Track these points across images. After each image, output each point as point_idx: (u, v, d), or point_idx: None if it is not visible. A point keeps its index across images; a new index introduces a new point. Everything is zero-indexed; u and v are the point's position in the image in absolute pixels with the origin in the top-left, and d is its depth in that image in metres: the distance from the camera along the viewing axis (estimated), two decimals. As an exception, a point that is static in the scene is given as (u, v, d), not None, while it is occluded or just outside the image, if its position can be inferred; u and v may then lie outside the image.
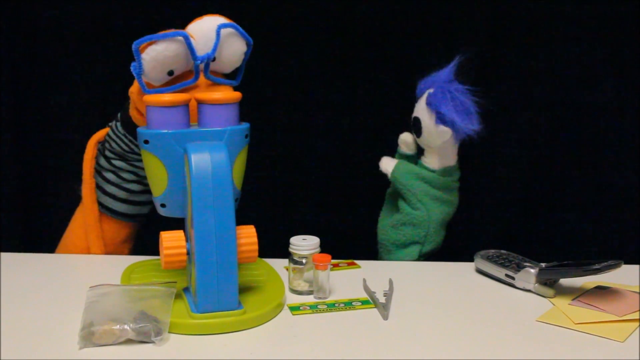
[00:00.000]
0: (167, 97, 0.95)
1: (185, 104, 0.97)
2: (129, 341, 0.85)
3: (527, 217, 1.38)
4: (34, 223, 1.43)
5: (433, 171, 1.16)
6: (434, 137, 1.12)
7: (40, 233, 1.43)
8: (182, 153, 0.94)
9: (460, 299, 1.01)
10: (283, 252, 1.06)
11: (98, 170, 1.19)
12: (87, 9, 1.34)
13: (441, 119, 1.10)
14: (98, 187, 1.19)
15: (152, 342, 0.85)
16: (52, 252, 1.23)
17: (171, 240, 0.91)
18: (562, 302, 0.98)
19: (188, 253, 0.92)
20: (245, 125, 0.99)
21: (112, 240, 1.20)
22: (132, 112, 1.10)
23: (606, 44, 1.30)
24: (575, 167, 1.35)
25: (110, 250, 1.20)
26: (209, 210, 0.88)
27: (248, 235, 0.93)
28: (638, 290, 1.01)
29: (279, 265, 1.10)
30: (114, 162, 1.18)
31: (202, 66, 1.02)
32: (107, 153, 1.18)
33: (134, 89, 1.09)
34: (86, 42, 1.36)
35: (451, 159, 1.16)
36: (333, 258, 1.02)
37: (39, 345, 0.86)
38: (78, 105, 1.38)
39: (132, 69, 0.99)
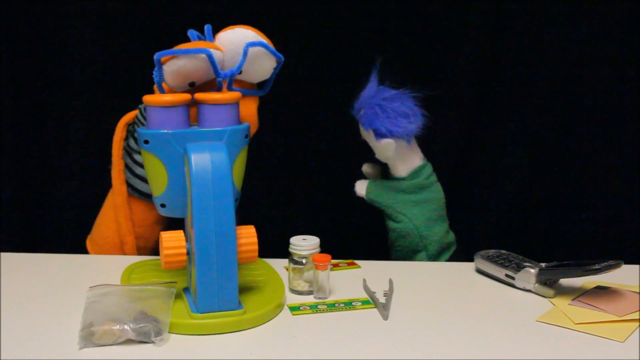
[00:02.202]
0: (167, 97, 0.95)
1: (185, 104, 0.97)
2: (128, 341, 0.85)
3: (527, 217, 1.38)
4: (34, 223, 1.42)
5: (403, 179, 1.16)
6: (383, 151, 1.14)
7: (40, 233, 1.43)
8: (182, 153, 0.94)
9: (460, 299, 1.01)
10: (283, 252, 1.06)
11: (128, 152, 1.18)
12: (87, 9, 1.34)
13: (379, 134, 1.12)
14: (127, 168, 1.18)
15: (152, 342, 0.85)
16: (52, 252, 1.23)
17: (171, 240, 0.91)
18: (562, 302, 0.98)
19: (188, 253, 0.92)
20: (245, 125, 0.99)
21: (142, 222, 1.19)
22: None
23: (606, 43, 1.30)
24: (575, 167, 1.35)
25: (140, 232, 1.18)
26: (209, 210, 0.88)
27: (248, 235, 0.92)
28: (638, 290, 1.00)
29: (279, 265, 1.10)
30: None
31: (226, 83, 1.01)
32: (136, 134, 1.16)
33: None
34: (86, 42, 1.35)
35: (415, 160, 1.17)
36: (333, 258, 1.02)
37: (39, 345, 0.86)
38: (78, 105, 1.38)
39: (154, 75, 0.99)
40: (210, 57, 0.98)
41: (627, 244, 1.34)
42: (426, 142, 1.36)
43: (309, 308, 0.97)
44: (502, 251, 1.11)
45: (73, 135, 1.39)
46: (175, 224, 1.03)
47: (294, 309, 0.97)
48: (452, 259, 1.18)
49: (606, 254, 1.31)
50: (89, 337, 0.85)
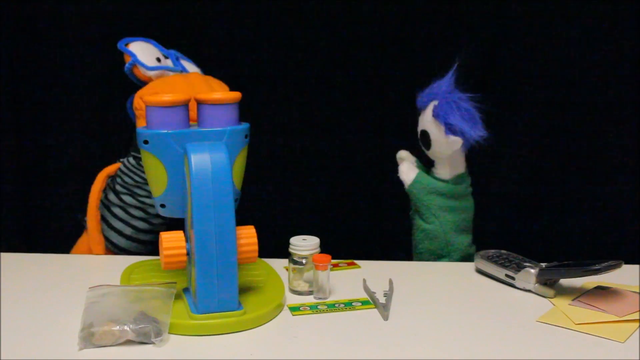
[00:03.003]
0: (167, 97, 0.95)
1: (185, 104, 0.97)
2: (128, 342, 0.85)
3: (527, 217, 1.38)
4: (34, 223, 1.43)
5: (446, 181, 1.15)
6: (445, 147, 1.13)
7: (40, 233, 1.43)
8: (182, 153, 0.94)
9: (460, 299, 1.01)
10: (283, 252, 1.06)
11: (106, 205, 1.20)
12: (87, 9, 1.34)
13: (450, 129, 1.10)
14: (104, 220, 1.20)
15: (152, 342, 0.85)
16: (52, 252, 1.23)
17: (171, 241, 0.91)
18: (562, 302, 0.98)
19: (188, 253, 0.92)
20: (245, 125, 0.99)
21: None
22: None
23: (606, 44, 1.30)
24: (575, 167, 1.35)
25: None
26: (209, 210, 0.88)
27: (248, 236, 0.92)
28: (638, 290, 1.00)
29: (279, 265, 1.10)
30: (123, 197, 1.18)
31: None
32: (118, 187, 1.19)
33: (138, 104, 1.12)
34: (86, 42, 1.36)
35: (461, 167, 1.17)
36: (333, 258, 1.02)
37: (39, 346, 0.86)
38: (78, 106, 1.38)
39: (129, 64, 1.11)
40: (153, 42, 1.20)
41: (627, 244, 1.34)
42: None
43: (309, 308, 0.97)
44: (502, 251, 1.11)
45: (73, 135, 1.39)
46: (175, 224, 1.03)
47: (294, 309, 0.97)
48: None
49: (606, 254, 1.31)
50: (88, 338, 0.85)
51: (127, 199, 1.18)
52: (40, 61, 1.37)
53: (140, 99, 1.12)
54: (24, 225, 1.42)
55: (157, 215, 1.16)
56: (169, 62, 1.19)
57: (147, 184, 1.15)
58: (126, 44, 1.17)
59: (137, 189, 1.17)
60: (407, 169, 1.18)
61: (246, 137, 1.00)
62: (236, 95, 0.99)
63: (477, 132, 1.10)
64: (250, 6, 1.33)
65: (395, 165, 1.24)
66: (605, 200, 1.35)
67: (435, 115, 1.12)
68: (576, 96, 1.32)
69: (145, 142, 0.95)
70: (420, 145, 1.17)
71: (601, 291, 1.01)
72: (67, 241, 1.42)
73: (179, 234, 0.92)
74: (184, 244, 0.91)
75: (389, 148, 1.35)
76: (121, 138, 1.36)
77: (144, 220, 1.18)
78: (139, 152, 1.12)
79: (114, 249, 1.19)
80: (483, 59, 1.33)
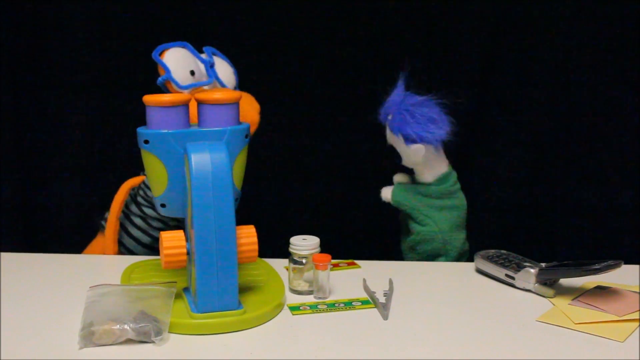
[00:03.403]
0: (167, 97, 0.95)
1: (185, 104, 0.97)
2: (129, 341, 0.85)
3: (527, 217, 1.38)
4: (34, 223, 1.43)
5: (429, 184, 1.16)
6: (412, 157, 1.14)
7: (40, 233, 1.43)
8: (182, 153, 0.94)
9: (460, 299, 1.01)
10: (283, 252, 1.06)
11: (127, 215, 1.21)
12: (87, 9, 1.34)
13: (408, 139, 1.12)
14: (122, 227, 1.20)
15: (152, 342, 0.85)
16: (52, 252, 1.23)
17: (171, 240, 0.91)
18: (562, 302, 0.98)
19: (188, 253, 0.92)
20: (245, 125, 0.99)
21: None
22: None
23: (607, 44, 1.30)
24: (575, 167, 1.35)
25: None
26: (209, 210, 0.88)
27: (248, 235, 0.92)
28: (638, 290, 1.00)
29: (279, 265, 1.10)
30: (144, 209, 1.19)
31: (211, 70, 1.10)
32: (139, 199, 1.19)
33: None
34: (87, 42, 1.36)
35: (442, 167, 1.16)
36: (333, 258, 1.02)
37: (39, 345, 0.86)
38: (78, 105, 1.38)
39: (162, 78, 1.03)
40: (188, 47, 1.08)
41: (627, 244, 1.34)
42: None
43: (309, 308, 0.97)
44: (502, 251, 1.11)
45: (73, 135, 1.39)
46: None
47: (294, 309, 0.97)
48: None
49: (606, 254, 1.31)
50: (89, 337, 0.85)
51: (148, 211, 1.19)
52: (40, 61, 1.37)
53: None
54: (24, 225, 1.42)
55: (176, 227, 1.18)
56: (202, 70, 1.13)
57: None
58: (161, 52, 1.10)
59: None
60: (385, 191, 1.20)
61: (246, 137, 1.00)
62: (236, 95, 0.99)
63: (439, 132, 1.11)
64: (251, 6, 1.33)
65: (394, 165, 1.23)
66: (605, 201, 1.35)
67: (392, 128, 1.13)
68: (576, 96, 1.33)
69: (146, 142, 0.95)
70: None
71: (601, 291, 1.01)
72: (67, 241, 1.42)
73: (179, 233, 0.92)
74: (184, 243, 0.91)
75: (389, 148, 1.35)
76: (121, 137, 1.36)
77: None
78: None
79: (128, 254, 1.20)
80: (483, 61, 1.33)
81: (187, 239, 0.93)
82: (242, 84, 1.14)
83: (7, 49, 1.35)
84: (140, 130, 0.96)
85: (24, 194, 1.41)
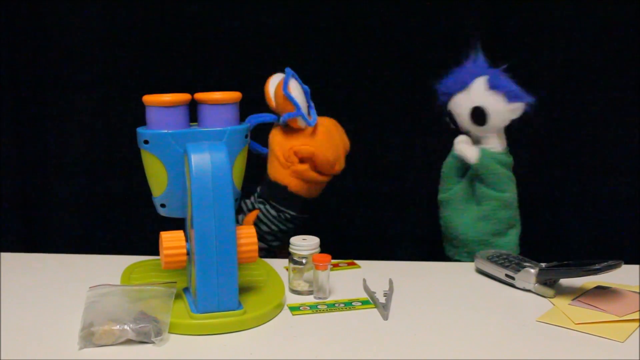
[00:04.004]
0: (167, 97, 0.95)
1: (185, 104, 0.97)
2: (128, 341, 0.85)
3: (526, 217, 1.38)
4: (34, 223, 1.43)
5: (500, 153, 1.15)
6: (505, 117, 1.13)
7: (40, 233, 1.43)
8: (182, 153, 0.94)
9: (460, 299, 1.01)
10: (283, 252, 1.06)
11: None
12: (87, 9, 1.34)
13: (512, 95, 1.12)
14: None
15: (152, 342, 0.85)
16: (52, 252, 1.23)
17: (171, 240, 0.91)
18: (562, 302, 0.98)
19: (188, 253, 0.92)
20: (245, 125, 1.00)
21: None
22: (288, 180, 1.16)
23: (606, 43, 1.30)
24: (575, 167, 1.35)
25: None
26: (209, 210, 0.88)
27: (248, 236, 0.92)
28: (638, 290, 1.00)
29: (279, 265, 1.10)
30: (271, 243, 1.20)
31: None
32: (266, 236, 1.19)
33: (298, 147, 1.15)
34: (87, 42, 1.36)
35: (504, 139, 1.17)
36: (333, 258, 1.02)
37: (39, 345, 0.86)
38: (78, 105, 1.38)
39: (283, 119, 1.12)
40: (294, 75, 1.15)
41: (627, 244, 1.34)
42: (426, 142, 1.37)
43: (309, 308, 0.97)
44: (502, 251, 1.11)
45: (73, 136, 1.39)
46: (175, 224, 1.03)
47: (294, 309, 0.97)
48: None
49: (606, 254, 1.31)
50: (89, 337, 0.85)
51: (275, 243, 1.20)
52: (40, 61, 1.37)
53: (294, 150, 1.15)
54: (24, 225, 1.42)
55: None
56: (299, 97, 1.15)
57: (279, 238, 1.18)
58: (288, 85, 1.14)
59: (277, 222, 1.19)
60: (466, 147, 1.16)
61: (246, 137, 1.00)
62: (236, 95, 0.99)
63: (530, 97, 1.13)
64: (251, 5, 1.33)
65: (394, 165, 1.24)
66: (605, 200, 1.35)
67: (493, 86, 1.13)
68: (576, 96, 1.32)
69: (146, 142, 0.95)
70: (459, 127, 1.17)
71: (601, 291, 1.01)
72: (67, 241, 1.42)
73: (179, 233, 0.92)
74: (184, 243, 0.91)
75: (389, 147, 1.35)
76: (121, 137, 1.36)
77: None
78: (278, 203, 1.17)
79: None
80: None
81: (187, 239, 0.93)
82: (243, 84, 1.13)
83: (7, 49, 1.35)
84: (140, 130, 0.96)
85: (24, 193, 1.41)
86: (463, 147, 1.17)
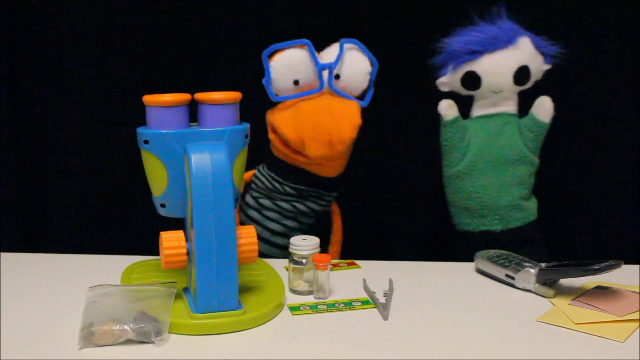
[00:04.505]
0: (167, 97, 0.95)
1: (185, 104, 0.97)
2: (128, 341, 0.85)
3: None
4: (34, 223, 1.43)
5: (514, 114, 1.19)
6: (538, 78, 1.16)
7: (40, 233, 1.43)
8: (182, 153, 0.94)
9: (460, 299, 1.01)
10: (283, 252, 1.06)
11: (243, 209, 1.21)
12: (87, 9, 1.34)
13: (549, 57, 1.16)
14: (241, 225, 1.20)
15: (152, 342, 0.85)
16: (52, 252, 1.23)
17: (171, 240, 0.91)
18: (562, 302, 0.98)
19: (188, 253, 0.92)
20: (245, 125, 1.00)
21: None
22: (273, 150, 1.16)
23: (606, 43, 1.30)
24: (575, 167, 1.35)
25: None
26: (209, 210, 0.88)
27: (248, 235, 0.92)
28: (638, 290, 1.00)
29: (279, 265, 1.10)
30: (260, 200, 1.19)
31: (326, 76, 1.09)
32: (254, 193, 1.20)
33: (268, 116, 1.14)
34: (86, 42, 1.36)
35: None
36: (333, 258, 1.02)
37: (39, 345, 0.86)
38: (78, 106, 1.38)
39: (263, 81, 1.08)
40: (309, 46, 1.09)
41: (627, 244, 1.34)
42: (426, 141, 1.36)
43: (309, 308, 0.97)
44: (502, 251, 1.11)
45: (73, 135, 1.39)
46: (175, 224, 1.03)
47: (294, 309, 0.97)
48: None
49: (606, 254, 1.31)
50: (89, 337, 0.85)
51: (264, 201, 1.19)
52: (40, 61, 1.37)
53: (269, 119, 1.15)
54: (24, 225, 1.42)
55: (291, 218, 1.19)
56: (311, 77, 1.12)
57: (278, 192, 1.17)
58: (277, 51, 1.10)
59: (272, 193, 1.18)
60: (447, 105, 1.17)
61: (246, 137, 1.00)
62: (236, 95, 0.99)
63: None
64: (251, 5, 1.33)
65: (394, 165, 1.23)
66: (605, 200, 1.35)
67: (537, 47, 1.15)
68: (576, 96, 1.33)
69: (145, 142, 0.95)
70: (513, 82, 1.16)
71: (601, 291, 1.01)
72: (67, 241, 1.42)
73: (179, 233, 0.92)
74: (184, 243, 0.92)
75: (389, 147, 1.35)
76: (121, 137, 1.36)
77: (277, 222, 1.19)
78: (268, 165, 1.16)
79: None
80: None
81: (187, 239, 0.93)
82: (242, 84, 1.13)
83: (7, 48, 1.35)
84: (140, 130, 0.96)
85: (24, 193, 1.41)
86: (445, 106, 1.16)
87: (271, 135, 1.15)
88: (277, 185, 1.17)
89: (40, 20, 1.35)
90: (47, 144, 1.40)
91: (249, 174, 1.21)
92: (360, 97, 1.15)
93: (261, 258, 1.12)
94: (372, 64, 1.14)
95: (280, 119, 1.12)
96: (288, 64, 1.09)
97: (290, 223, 1.19)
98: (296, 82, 1.10)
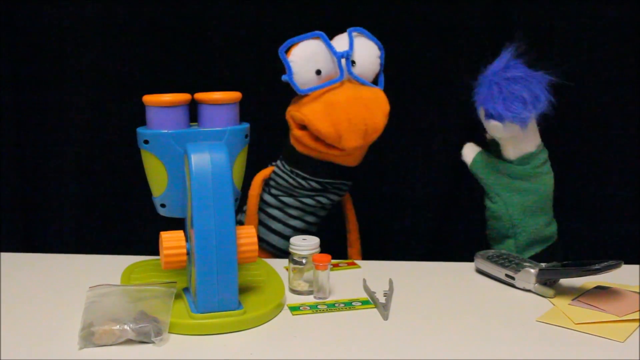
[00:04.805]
0: (167, 97, 0.95)
1: (185, 104, 0.97)
2: (129, 341, 0.85)
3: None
4: (34, 223, 1.43)
5: (510, 162, 1.12)
6: (491, 131, 1.11)
7: (40, 233, 1.43)
8: (182, 153, 0.94)
9: (460, 299, 1.01)
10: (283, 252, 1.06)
11: (263, 208, 1.19)
12: (87, 9, 1.34)
13: (488, 114, 1.08)
14: (262, 224, 1.19)
15: (152, 342, 0.85)
16: (52, 252, 1.23)
17: (171, 240, 0.91)
18: (562, 302, 0.98)
19: (188, 253, 0.92)
20: (245, 125, 1.00)
21: None
22: (292, 141, 1.15)
23: (606, 43, 1.30)
24: (575, 167, 1.35)
25: None
26: (209, 210, 0.88)
27: (248, 235, 0.92)
28: (638, 290, 1.00)
29: (279, 265, 1.10)
30: (281, 198, 1.18)
31: (344, 64, 1.10)
32: (273, 191, 1.18)
33: (293, 112, 1.13)
34: (86, 42, 1.36)
35: (528, 146, 1.12)
36: (333, 258, 1.02)
37: (39, 345, 0.86)
38: (78, 105, 1.38)
39: (284, 78, 1.08)
40: (323, 37, 1.10)
41: (627, 244, 1.34)
42: (426, 141, 1.37)
43: (309, 308, 0.97)
44: (502, 251, 1.11)
45: (73, 135, 1.39)
46: (175, 224, 1.03)
47: (294, 309, 0.97)
48: (546, 253, 1.13)
49: (606, 254, 1.31)
50: (89, 337, 0.85)
51: (285, 199, 1.17)
52: (40, 60, 1.37)
53: (295, 116, 1.13)
54: (24, 225, 1.42)
55: (311, 213, 1.18)
56: (334, 65, 1.12)
57: (301, 187, 1.16)
58: (292, 46, 1.09)
59: (295, 189, 1.16)
60: (469, 150, 1.16)
61: (246, 137, 1.00)
62: (236, 95, 0.99)
63: (523, 114, 1.06)
64: (251, 5, 1.33)
65: (392, 165, 1.23)
66: (605, 200, 1.35)
67: (475, 100, 1.10)
68: (576, 96, 1.32)
69: (145, 142, 0.95)
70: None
71: (601, 291, 1.01)
72: (67, 241, 1.42)
73: (179, 233, 0.92)
74: (184, 243, 0.91)
75: (389, 147, 1.35)
76: (121, 137, 1.36)
77: (299, 219, 1.18)
78: (288, 161, 1.16)
79: (273, 250, 1.19)
80: (483, 59, 1.33)
81: (187, 239, 0.93)
82: (242, 83, 1.13)
83: (7, 48, 1.35)
84: (140, 130, 0.96)
85: (24, 194, 1.41)
86: (464, 150, 1.17)
87: (298, 132, 1.12)
88: (301, 181, 1.15)
89: (41, 20, 1.34)
90: (47, 144, 1.40)
91: (268, 171, 1.19)
92: (374, 82, 1.15)
93: (261, 258, 1.12)
94: (379, 48, 1.15)
95: (312, 115, 1.09)
96: (308, 56, 1.09)
97: (310, 218, 1.18)
98: (318, 72, 1.09)
